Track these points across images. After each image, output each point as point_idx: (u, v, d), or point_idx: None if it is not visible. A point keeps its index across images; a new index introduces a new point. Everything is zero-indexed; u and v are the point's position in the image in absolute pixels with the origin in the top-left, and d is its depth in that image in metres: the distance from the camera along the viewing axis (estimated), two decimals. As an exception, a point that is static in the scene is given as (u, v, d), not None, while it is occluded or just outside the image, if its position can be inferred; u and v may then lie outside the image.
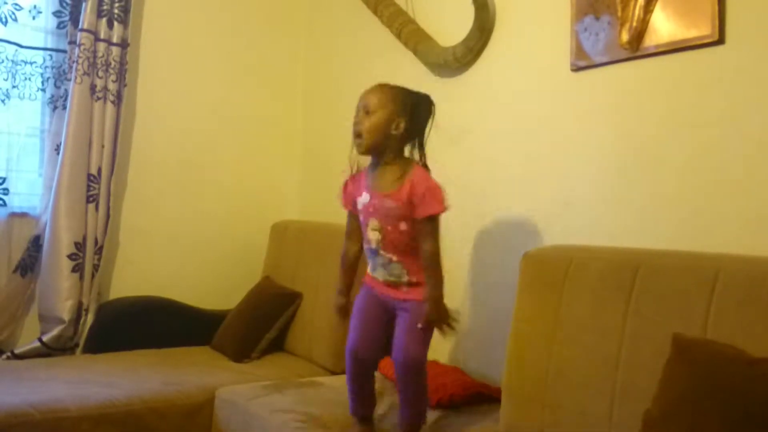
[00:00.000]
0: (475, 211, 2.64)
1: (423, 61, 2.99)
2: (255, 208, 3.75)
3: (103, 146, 3.21)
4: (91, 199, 3.19)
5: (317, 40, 3.82)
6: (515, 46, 2.59)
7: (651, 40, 2.09)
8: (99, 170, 3.21)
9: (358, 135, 2.00)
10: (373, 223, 2.00)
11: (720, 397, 1.45)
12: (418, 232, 1.94)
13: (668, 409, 1.54)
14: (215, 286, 3.56)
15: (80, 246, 3.15)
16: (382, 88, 2.02)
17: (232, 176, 3.70)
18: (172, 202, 3.53)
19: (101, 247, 3.23)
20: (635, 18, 2.11)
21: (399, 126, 1.97)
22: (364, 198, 2.03)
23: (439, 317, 1.94)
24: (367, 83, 3.40)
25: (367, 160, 2.07)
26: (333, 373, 2.79)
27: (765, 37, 1.83)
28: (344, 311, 2.15)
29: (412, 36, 3.01)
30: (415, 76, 3.06)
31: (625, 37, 2.14)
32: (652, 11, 2.08)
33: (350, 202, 2.12)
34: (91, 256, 3.19)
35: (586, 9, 2.28)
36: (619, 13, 2.16)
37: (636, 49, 2.13)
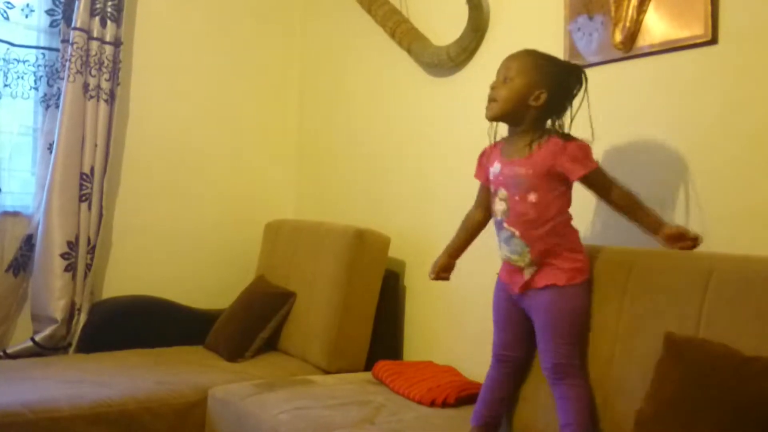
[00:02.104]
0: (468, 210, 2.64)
1: (417, 61, 3.00)
2: (249, 207, 3.75)
3: (96, 145, 3.20)
4: (83, 198, 3.18)
5: (311, 38, 3.82)
6: (509, 45, 2.56)
7: (644, 40, 2.10)
8: (92, 169, 3.20)
9: (492, 99, 1.85)
10: (501, 192, 1.85)
11: (712, 395, 1.46)
12: (591, 187, 1.84)
13: (661, 407, 1.54)
14: (209, 285, 3.55)
15: (73, 245, 3.14)
16: (528, 53, 1.85)
17: (226, 175, 3.69)
18: (166, 201, 3.53)
19: (94, 247, 3.22)
20: (628, 18, 2.12)
21: (540, 97, 1.80)
22: (495, 168, 1.88)
23: (684, 230, 1.77)
24: (362, 82, 3.42)
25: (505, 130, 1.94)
26: (327, 372, 2.79)
27: (758, 36, 1.84)
28: (442, 269, 2.04)
29: (405, 35, 3.01)
30: (409, 76, 3.06)
31: (618, 37, 2.15)
32: (645, 11, 2.09)
33: (483, 174, 1.97)
34: (83, 255, 3.18)
35: (580, 9, 2.28)
36: (613, 13, 2.17)
37: (629, 49, 2.14)
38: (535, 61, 1.83)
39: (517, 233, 1.82)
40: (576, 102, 1.87)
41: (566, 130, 1.87)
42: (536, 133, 1.82)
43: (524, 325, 1.89)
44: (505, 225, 1.85)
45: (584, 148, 1.80)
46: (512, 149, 1.86)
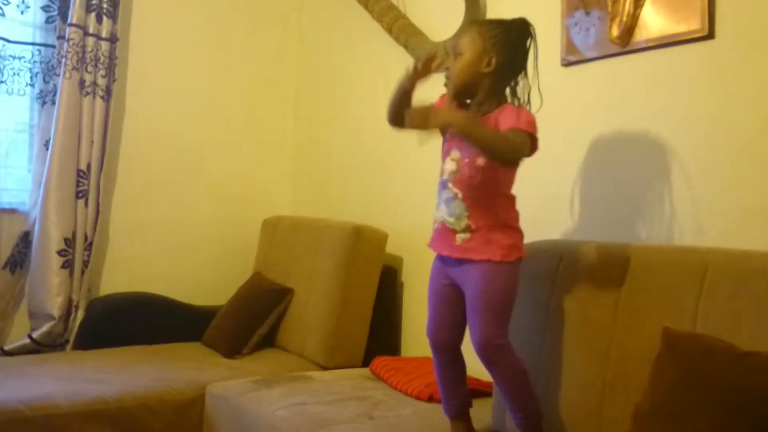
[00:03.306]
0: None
1: (414, 56, 2.99)
2: (246, 203, 3.74)
3: (92, 142, 3.20)
4: (80, 194, 3.18)
5: (308, 34, 3.81)
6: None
7: (641, 35, 2.10)
8: (88, 166, 3.19)
9: (447, 78, 1.85)
10: (454, 153, 1.83)
11: (709, 390, 1.46)
12: None
13: (658, 402, 1.55)
14: (206, 282, 3.55)
15: (70, 242, 3.14)
16: (474, 24, 1.88)
17: (223, 171, 3.69)
18: (162, 198, 3.52)
19: (91, 243, 3.21)
20: (625, 13, 2.12)
21: (491, 62, 1.79)
22: None
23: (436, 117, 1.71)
24: (358, 78, 3.42)
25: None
26: (324, 368, 2.79)
27: (754, 31, 1.84)
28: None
29: (403, 30, 3.01)
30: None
31: (615, 32, 2.15)
32: (642, 6, 2.09)
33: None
34: (80, 252, 3.18)
35: (577, 4, 2.28)
36: (610, 8, 2.17)
37: (626, 44, 2.14)
38: (480, 29, 1.84)
39: (459, 195, 1.80)
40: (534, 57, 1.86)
41: (526, 95, 1.86)
42: (495, 100, 1.82)
43: (457, 305, 1.84)
44: (449, 185, 1.82)
45: (524, 113, 1.78)
46: (470, 112, 1.85)
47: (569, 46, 2.31)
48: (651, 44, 2.08)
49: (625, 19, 2.12)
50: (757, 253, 1.68)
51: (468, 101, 1.89)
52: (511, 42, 1.83)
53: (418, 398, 2.32)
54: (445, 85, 1.87)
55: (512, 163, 1.75)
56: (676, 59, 2.02)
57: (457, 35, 1.87)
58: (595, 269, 1.92)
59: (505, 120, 1.76)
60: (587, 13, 2.25)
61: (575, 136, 2.31)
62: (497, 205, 1.81)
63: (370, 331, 2.92)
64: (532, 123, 1.77)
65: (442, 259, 1.89)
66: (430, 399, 2.28)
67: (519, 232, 1.84)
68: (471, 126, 1.72)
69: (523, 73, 1.86)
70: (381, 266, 2.94)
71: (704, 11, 1.92)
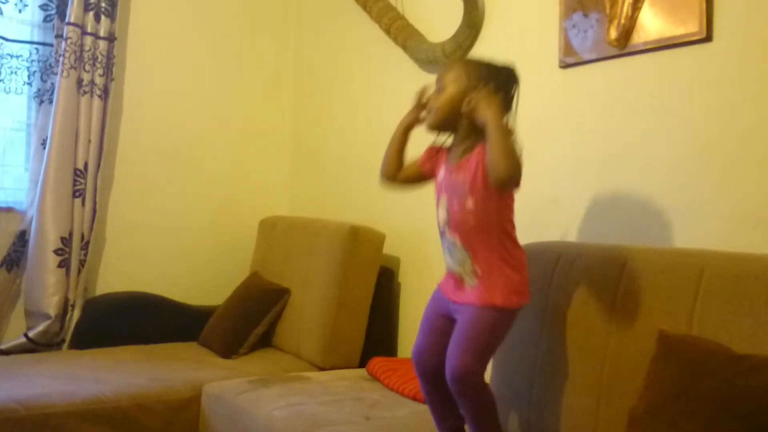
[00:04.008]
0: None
1: (412, 57, 2.99)
2: (243, 203, 3.74)
3: (89, 141, 3.19)
4: (77, 193, 3.17)
5: (307, 34, 3.81)
6: (504, 42, 2.59)
7: (639, 38, 2.10)
8: (86, 165, 3.19)
9: (428, 111, 1.84)
10: (443, 200, 1.83)
11: (705, 393, 1.46)
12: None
13: (653, 405, 1.55)
14: (203, 281, 3.55)
15: (66, 241, 3.13)
16: (461, 61, 1.84)
17: (220, 171, 3.69)
18: (160, 198, 3.52)
19: (88, 243, 3.21)
20: (623, 15, 2.12)
21: (470, 102, 1.76)
22: (440, 174, 1.86)
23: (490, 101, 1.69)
24: (356, 78, 3.42)
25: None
26: (321, 368, 2.79)
27: (752, 34, 1.84)
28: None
29: (401, 32, 3.01)
30: (404, 72, 3.06)
31: (613, 34, 2.15)
32: (640, 8, 2.09)
33: (427, 166, 1.92)
34: (77, 251, 3.17)
35: (575, 6, 2.28)
36: (608, 11, 2.17)
37: (624, 46, 2.14)
38: (466, 67, 1.81)
39: (458, 242, 1.78)
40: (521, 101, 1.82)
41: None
42: (474, 138, 1.77)
43: (447, 335, 1.79)
44: (447, 234, 1.82)
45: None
46: (453, 156, 1.83)
47: (567, 48, 2.31)
48: (649, 47, 2.08)
49: (623, 21, 2.12)
50: (753, 256, 1.68)
51: (447, 135, 1.87)
52: (497, 87, 1.78)
53: (414, 399, 2.32)
54: (422, 119, 1.87)
55: (514, 182, 1.69)
56: (673, 62, 2.03)
57: (444, 68, 1.85)
58: (592, 271, 1.92)
59: (484, 155, 1.71)
60: (585, 15, 2.25)
61: (572, 138, 2.32)
62: (499, 245, 1.76)
63: (367, 332, 2.92)
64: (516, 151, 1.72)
65: (445, 293, 1.87)
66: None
67: (523, 276, 1.79)
68: (503, 127, 1.68)
69: (506, 115, 1.79)
70: (378, 267, 2.94)
71: (702, 14, 1.92)
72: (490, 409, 1.77)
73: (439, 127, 1.85)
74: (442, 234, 1.84)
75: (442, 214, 1.83)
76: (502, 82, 1.80)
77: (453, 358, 1.72)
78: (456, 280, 1.82)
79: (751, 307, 1.57)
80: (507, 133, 1.69)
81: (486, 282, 1.75)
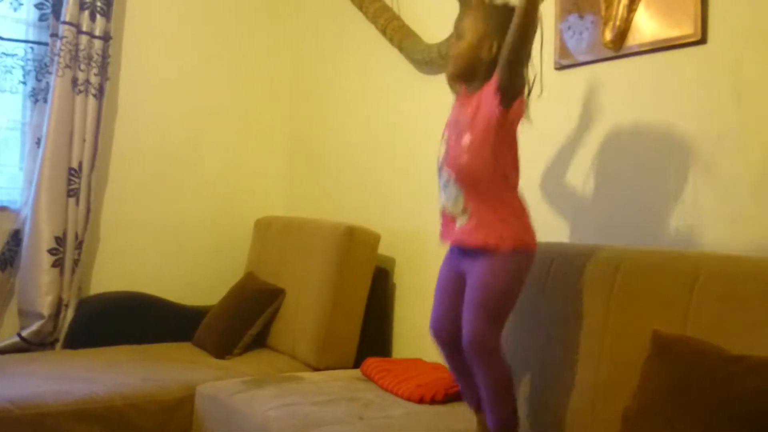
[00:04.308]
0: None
1: (408, 58, 2.99)
2: (239, 203, 3.73)
3: (84, 140, 3.19)
4: (71, 193, 3.17)
5: (303, 34, 3.81)
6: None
7: (634, 40, 2.11)
8: (80, 164, 3.18)
9: (448, 59, 1.80)
10: (444, 135, 1.80)
11: (698, 393, 1.47)
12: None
13: (647, 405, 1.55)
14: (197, 281, 3.54)
15: (61, 241, 3.12)
16: (479, 5, 1.76)
17: (215, 171, 3.68)
18: (154, 197, 3.51)
19: (82, 242, 3.20)
20: (619, 17, 2.12)
21: (492, 48, 1.70)
22: (451, 112, 1.82)
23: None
24: (353, 79, 3.42)
25: None
26: (315, 369, 2.78)
27: (747, 36, 1.84)
28: None
29: (397, 32, 3.01)
30: (400, 73, 3.06)
31: (608, 36, 2.15)
32: (635, 10, 2.09)
33: None
34: (71, 250, 3.17)
35: (570, 8, 2.29)
36: (603, 12, 2.17)
37: (619, 48, 2.14)
38: (485, 12, 1.75)
39: (453, 176, 1.74)
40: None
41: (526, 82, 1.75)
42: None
43: (458, 299, 1.77)
44: (443, 168, 1.78)
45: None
46: (465, 94, 1.80)
47: (563, 50, 2.31)
48: (644, 49, 2.08)
49: (618, 23, 2.12)
50: (747, 258, 1.68)
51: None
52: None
53: (408, 399, 2.31)
54: (447, 63, 1.81)
55: (510, 88, 1.65)
56: (668, 64, 2.03)
57: (461, 13, 1.79)
58: (587, 272, 1.92)
59: (487, 89, 1.69)
60: (581, 17, 2.25)
61: (567, 140, 2.32)
62: (493, 189, 1.73)
63: (361, 333, 2.91)
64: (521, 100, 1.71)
65: (451, 250, 1.85)
66: (421, 400, 2.28)
67: (519, 221, 1.74)
68: (526, 23, 1.60)
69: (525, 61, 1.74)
70: (373, 267, 2.94)
71: (697, 16, 1.92)
72: (506, 379, 1.74)
73: (459, 75, 1.80)
74: (440, 170, 1.81)
75: (442, 149, 1.80)
76: None
77: (467, 326, 1.70)
78: (448, 218, 1.79)
79: (745, 308, 1.58)
80: (524, 35, 1.61)
81: (476, 221, 1.72)
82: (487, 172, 1.72)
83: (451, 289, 1.82)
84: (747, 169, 1.84)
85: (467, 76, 1.79)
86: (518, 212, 1.76)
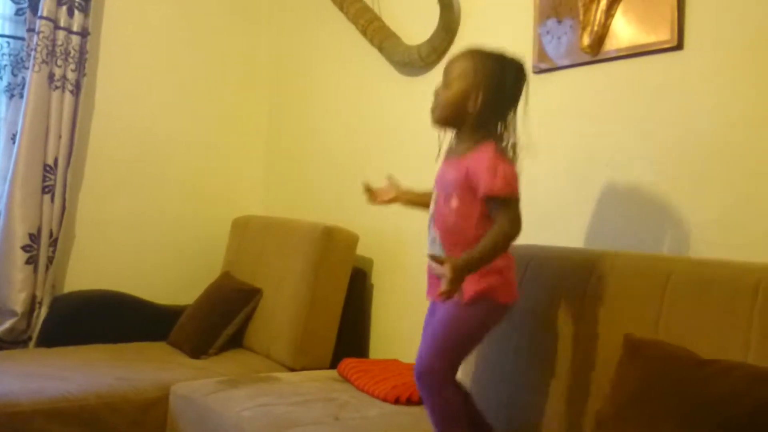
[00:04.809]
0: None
1: (388, 59, 3.00)
2: (216, 202, 3.71)
3: (60, 136, 3.15)
4: (46, 190, 3.13)
5: (282, 33, 3.80)
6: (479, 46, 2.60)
7: (611, 45, 2.13)
8: (56, 161, 3.15)
9: (434, 106, 1.78)
10: (434, 193, 1.80)
11: (670, 396, 1.48)
12: (490, 214, 1.68)
13: (620, 407, 1.56)
14: (173, 280, 3.52)
15: (35, 237, 3.09)
16: (468, 54, 1.75)
17: (193, 169, 3.66)
18: (130, 195, 3.48)
19: (56, 239, 3.17)
20: (596, 22, 2.14)
21: (476, 101, 1.70)
22: (440, 168, 1.83)
23: (452, 279, 1.55)
24: (332, 79, 3.41)
25: None
26: (291, 369, 2.78)
27: (722, 43, 1.87)
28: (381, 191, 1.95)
29: (377, 33, 3.01)
30: (381, 74, 3.07)
31: (586, 41, 2.17)
32: (613, 16, 2.11)
33: None
34: (45, 248, 3.13)
35: (549, 12, 2.30)
36: (581, 17, 2.19)
37: (597, 53, 2.16)
38: (474, 62, 1.74)
39: (438, 237, 1.76)
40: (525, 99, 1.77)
41: (513, 134, 1.77)
42: (478, 135, 1.73)
43: None
44: (432, 227, 1.79)
45: (501, 166, 1.67)
46: (454, 152, 1.80)
47: (541, 54, 2.33)
48: (621, 54, 2.10)
49: (596, 28, 2.14)
50: (719, 261, 1.71)
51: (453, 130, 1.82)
52: (503, 83, 1.73)
53: (384, 400, 2.32)
54: (432, 110, 1.80)
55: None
56: (645, 69, 2.05)
57: (452, 60, 1.79)
58: (561, 275, 1.94)
59: (477, 166, 1.67)
60: (559, 22, 2.27)
61: (544, 143, 2.33)
62: (466, 239, 1.71)
63: (338, 333, 2.91)
64: (510, 178, 1.68)
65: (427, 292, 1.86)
66: (397, 401, 2.28)
67: (500, 276, 1.72)
68: (473, 263, 1.62)
69: (511, 113, 1.76)
70: (351, 268, 2.94)
71: (674, 22, 1.94)
72: (454, 413, 1.71)
73: (444, 123, 1.80)
74: (429, 226, 1.82)
75: (432, 207, 1.81)
76: (509, 77, 1.74)
77: (420, 354, 1.70)
78: (434, 279, 1.79)
79: (716, 312, 1.60)
80: (478, 260, 1.63)
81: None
82: (470, 234, 1.70)
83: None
84: (720, 173, 1.86)
85: (453, 124, 1.79)
86: (501, 267, 1.73)
